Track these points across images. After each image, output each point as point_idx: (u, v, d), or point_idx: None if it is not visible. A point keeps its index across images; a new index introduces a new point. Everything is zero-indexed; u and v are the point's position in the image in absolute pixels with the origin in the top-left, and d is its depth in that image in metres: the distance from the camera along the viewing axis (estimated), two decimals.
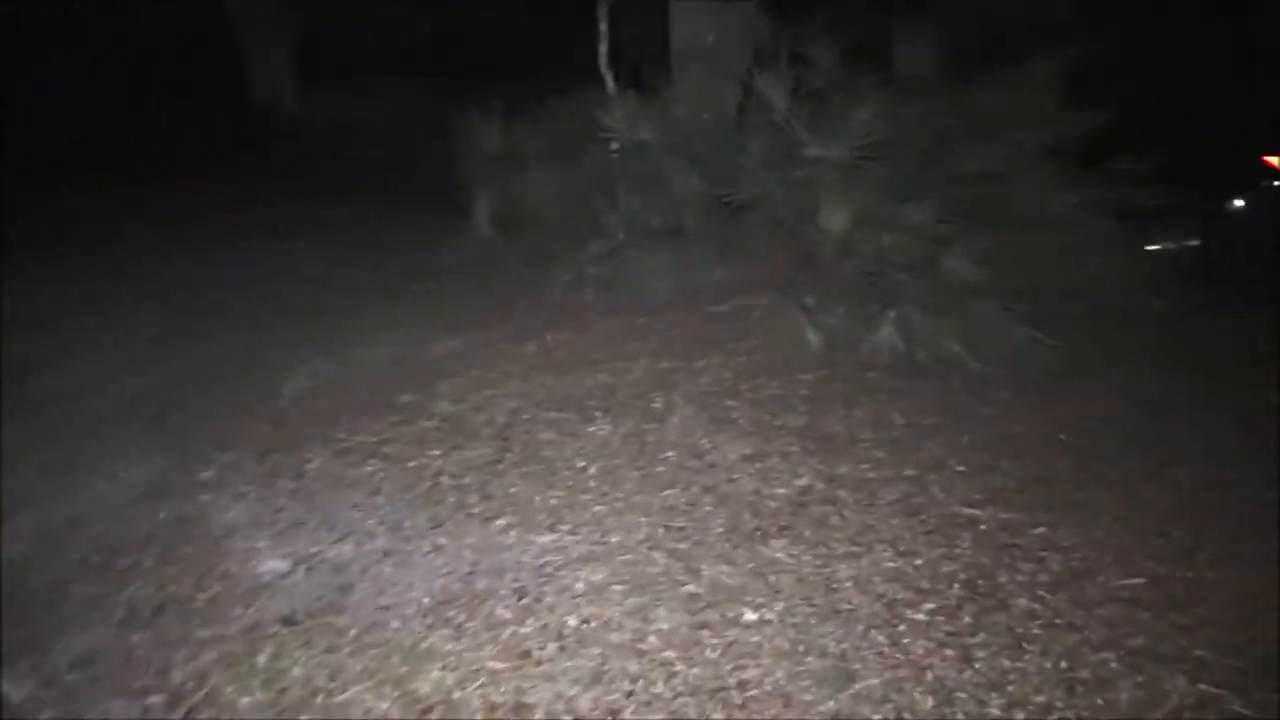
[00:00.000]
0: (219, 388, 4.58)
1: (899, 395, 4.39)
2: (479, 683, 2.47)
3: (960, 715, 2.29)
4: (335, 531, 3.22)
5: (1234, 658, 2.39)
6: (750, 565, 2.93)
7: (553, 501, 3.39)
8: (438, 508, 3.37)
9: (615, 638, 2.61)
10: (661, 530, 3.15)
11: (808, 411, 4.20)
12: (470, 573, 2.95)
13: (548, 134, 6.31)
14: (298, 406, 4.38)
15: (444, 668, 2.53)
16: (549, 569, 2.95)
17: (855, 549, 3.01)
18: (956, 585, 2.77)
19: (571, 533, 3.17)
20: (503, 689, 2.44)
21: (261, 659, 2.60)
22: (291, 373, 4.71)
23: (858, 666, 2.45)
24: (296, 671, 2.55)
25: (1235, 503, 3.27)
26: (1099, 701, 2.31)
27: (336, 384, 4.65)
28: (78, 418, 4.32)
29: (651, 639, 2.60)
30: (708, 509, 3.30)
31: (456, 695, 2.43)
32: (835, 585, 2.80)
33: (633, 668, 2.50)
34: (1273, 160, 7.26)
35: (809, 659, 2.49)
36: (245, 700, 2.46)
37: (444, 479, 3.59)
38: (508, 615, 2.73)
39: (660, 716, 2.33)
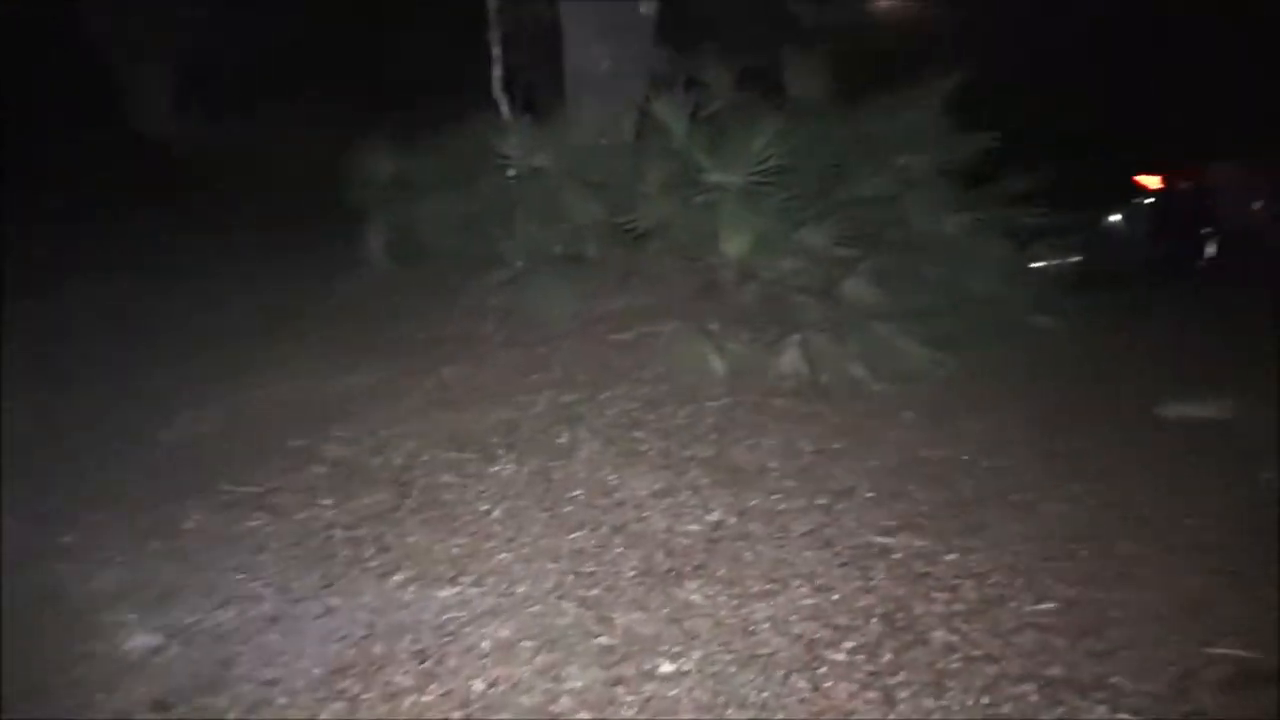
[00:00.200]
0: (86, 439, 4.23)
1: (806, 421, 4.37)
2: None
3: None
4: (215, 597, 2.96)
5: (1149, 682, 2.39)
6: (665, 610, 2.81)
7: (455, 550, 3.20)
8: (330, 564, 3.15)
9: (526, 700, 2.45)
10: (571, 577, 3.01)
11: (716, 441, 4.13)
12: (366, 636, 2.74)
13: (442, 161, 6.12)
14: (175, 457, 4.08)
15: None
16: (452, 626, 2.77)
17: (771, 586, 2.92)
18: (874, 620, 2.72)
19: (475, 584, 2.99)
20: None
21: None
22: (169, 420, 4.40)
23: (780, 717, 2.35)
24: None
25: (1134, 520, 3.32)
26: None
27: (219, 430, 4.36)
28: None
29: (564, 700, 2.44)
30: (618, 550, 3.18)
31: None
32: (753, 628, 2.71)
33: None
34: (1143, 180, 7.62)
35: (730, 711, 2.38)
36: None
37: (336, 531, 3.37)
38: (408, 682, 2.53)
39: None
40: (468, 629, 2.76)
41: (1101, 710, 2.31)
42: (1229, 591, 2.81)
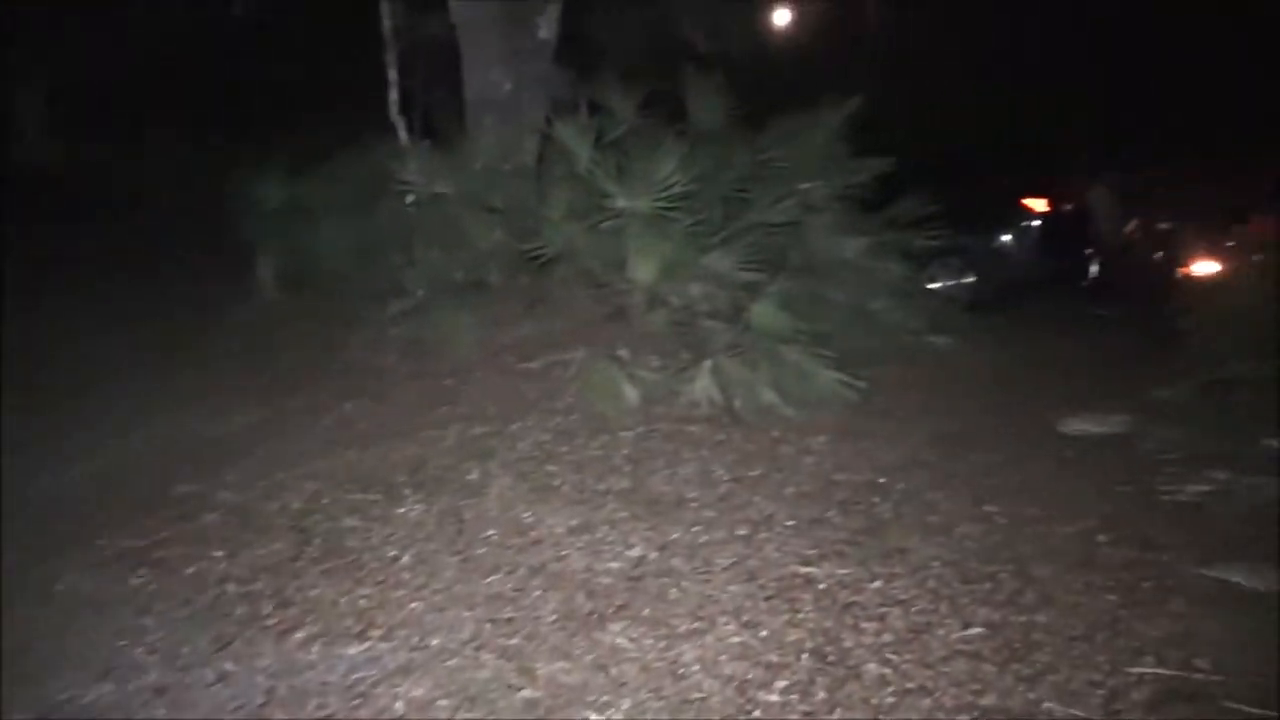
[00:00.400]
0: None
1: (721, 448, 4.32)
2: None
3: None
4: (92, 669, 2.70)
5: (1079, 706, 2.39)
6: (590, 657, 2.69)
7: (362, 602, 3.01)
8: (224, 623, 2.91)
9: None
10: (489, 625, 2.85)
11: (632, 472, 4.03)
12: (265, 703, 2.53)
13: (337, 185, 5.89)
14: (49, 511, 3.75)
15: None
16: (361, 687, 2.58)
17: (698, 624, 2.83)
18: (805, 655, 2.65)
19: (385, 639, 2.81)
20: None
21: None
22: (42, 469, 4.05)
23: None
24: None
25: (1047, 539, 3.37)
26: None
27: (98, 478, 4.04)
28: None
29: None
30: (537, 593, 3.04)
31: None
32: (682, 670, 2.61)
33: None
34: (1029, 203, 7.95)
35: None
36: None
37: (230, 586, 3.13)
38: None
39: None
40: (378, 689, 2.57)
41: None
42: (1142, 608, 2.86)
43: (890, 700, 2.46)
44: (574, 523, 3.53)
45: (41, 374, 5.23)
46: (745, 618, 2.86)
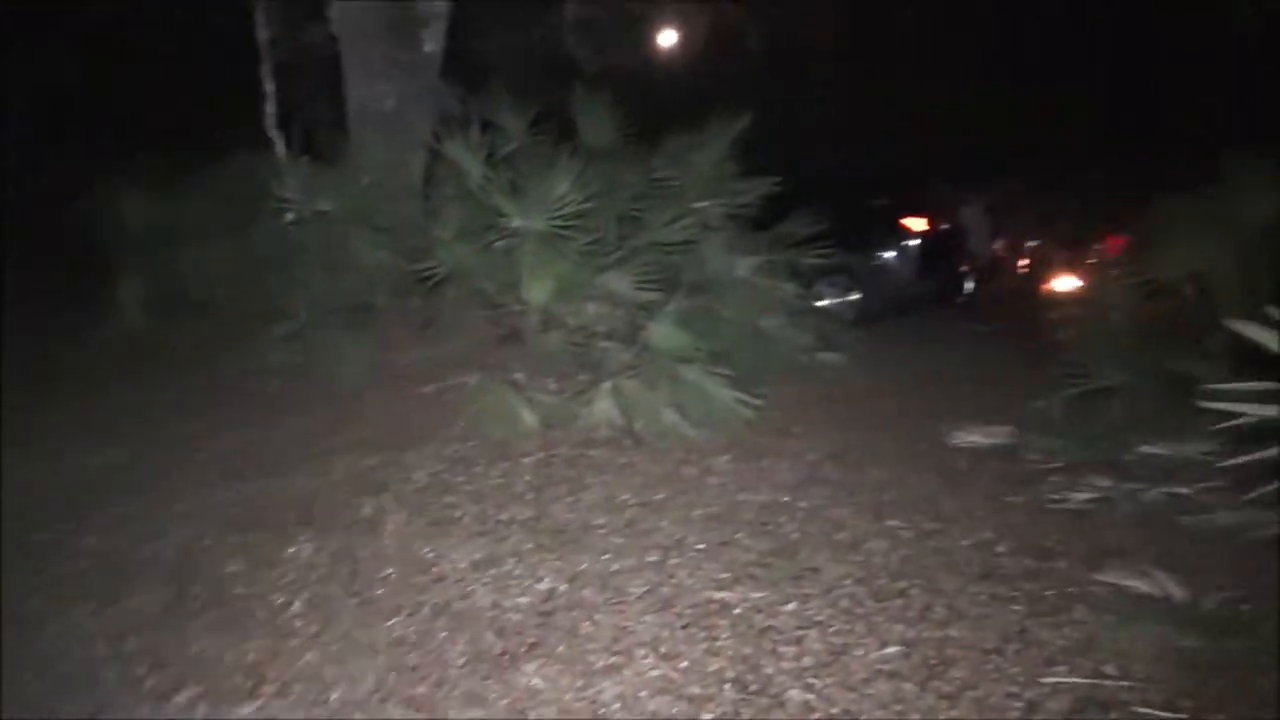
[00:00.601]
0: None
1: (625, 472, 4.25)
2: None
3: None
4: None
5: None
6: (505, 701, 2.55)
7: (251, 656, 2.78)
8: (92, 689, 2.64)
9: None
10: (393, 674, 2.68)
11: (535, 500, 3.91)
12: None
13: (209, 203, 5.55)
14: None
15: None
16: None
17: (615, 659, 2.74)
18: (728, 685, 2.59)
19: (280, 695, 2.60)
20: None
21: None
22: None
23: None
24: None
25: (949, 552, 3.42)
26: None
27: None
28: None
29: None
30: (443, 635, 2.88)
31: None
32: (603, 710, 2.51)
33: None
34: (908, 222, 8.23)
35: None
36: None
37: (99, 645, 2.84)
38: None
39: None
40: None
41: None
42: (1047, 618, 2.92)
43: None
44: (477, 556, 3.38)
45: None
46: (663, 649, 2.78)
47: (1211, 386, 3.03)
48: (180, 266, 5.39)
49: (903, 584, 3.17)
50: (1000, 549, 3.44)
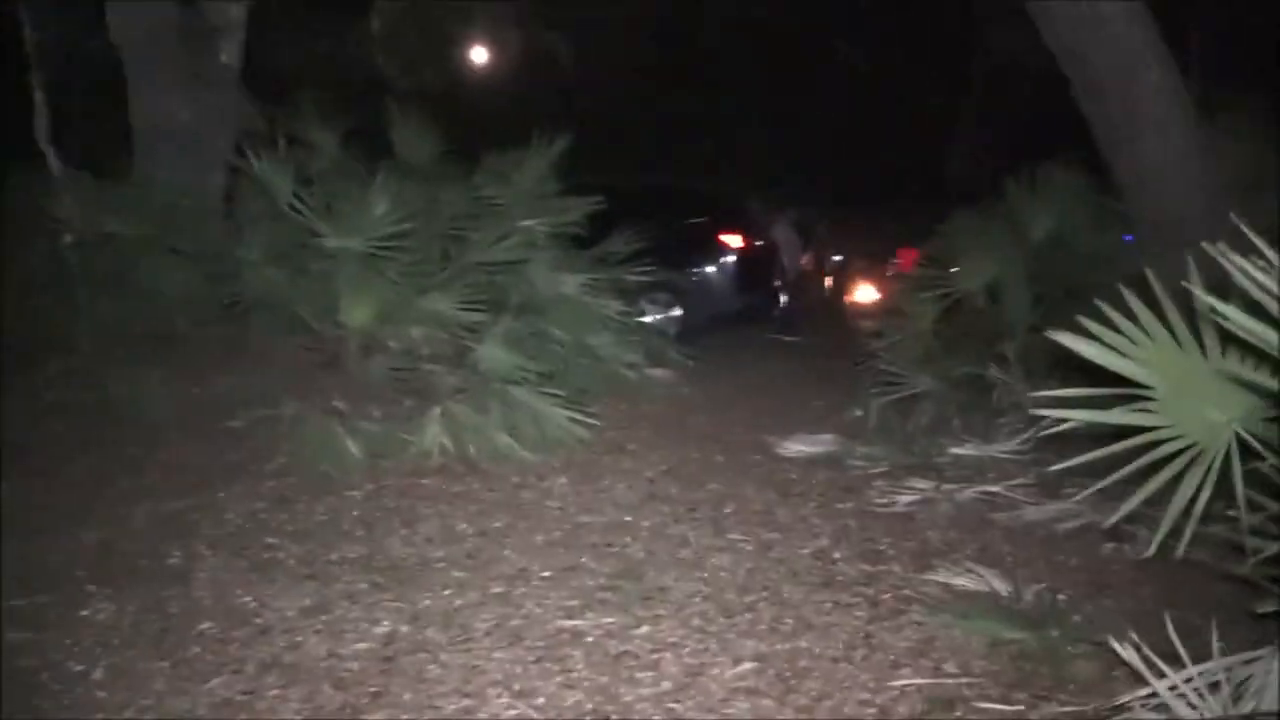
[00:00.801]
0: None
1: (460, 500, 4.09)
2: None
3: None
4: None
5: None
6: None
7: None
8: None
9: None
10: None
11: (366, 537, 3.69)
12: None
13: None
14: None
15: None
16: None
17: (467, 702, 2.59)
18: (587, 719, 2.51)
19: None
20: None
21: None
22: None
23: None
24: None
25: (790, 562, 3.50)
26: None
27: None
28: None
29: None
30: (274, 694, 2.63)
31: None
32: None
33: None
34: (725, 239, 8.48)
35: None
36: None
37: None
38: None
39: None
40: None
41: None
42: (887, 621, 3.03)
43: None
44: (307, 602, 3.13)
45: None
46: (517, 686, 2.66)
47: (1033, 395, 3.25)
48: None
49: (750, 598, 3.20)
50: (837, 555, 3.55)
